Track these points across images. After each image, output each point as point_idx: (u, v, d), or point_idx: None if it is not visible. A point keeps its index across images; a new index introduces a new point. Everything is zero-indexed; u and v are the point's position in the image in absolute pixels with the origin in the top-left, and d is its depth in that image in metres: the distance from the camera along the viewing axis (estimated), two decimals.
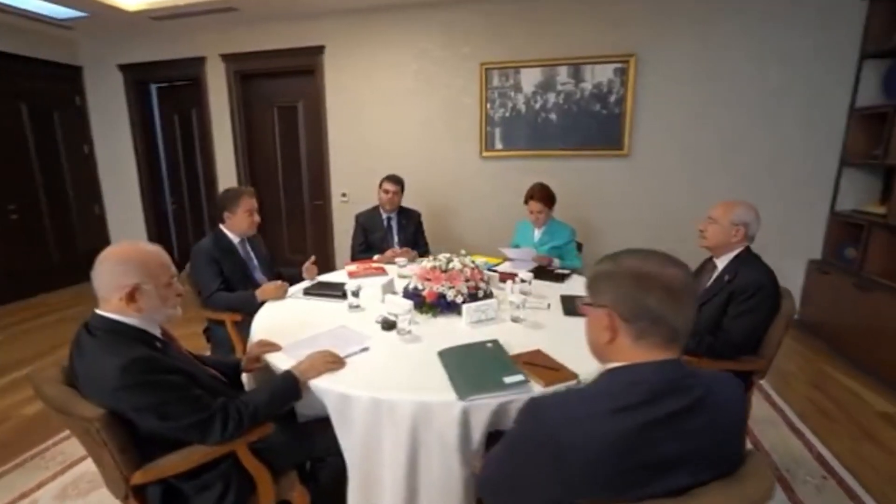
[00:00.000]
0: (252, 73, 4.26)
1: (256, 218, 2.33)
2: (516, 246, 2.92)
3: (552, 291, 2.17)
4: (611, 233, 3.64)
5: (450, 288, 1.92)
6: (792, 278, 3.38)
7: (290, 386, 1.30)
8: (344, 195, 4.21)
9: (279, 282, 2.17)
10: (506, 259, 2.79)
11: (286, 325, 1.84)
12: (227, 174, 4.45)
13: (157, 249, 1.22)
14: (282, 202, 4.59)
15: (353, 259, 2.96)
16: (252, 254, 2.42)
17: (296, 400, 1.33)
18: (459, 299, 1.90)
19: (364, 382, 1.36)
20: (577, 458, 0.78)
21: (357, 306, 2.00)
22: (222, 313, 2.16)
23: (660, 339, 0.83)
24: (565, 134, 3.63)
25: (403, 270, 2.50)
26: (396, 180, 3.05)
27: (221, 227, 2.31)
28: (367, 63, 3.90)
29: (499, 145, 3.79)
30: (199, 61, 4.27)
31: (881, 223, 2.83)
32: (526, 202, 2.86)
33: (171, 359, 1.18)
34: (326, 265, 4.33)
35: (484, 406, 1.28)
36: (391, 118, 3.97)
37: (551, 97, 3.59)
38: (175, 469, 1.14)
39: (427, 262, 2.05)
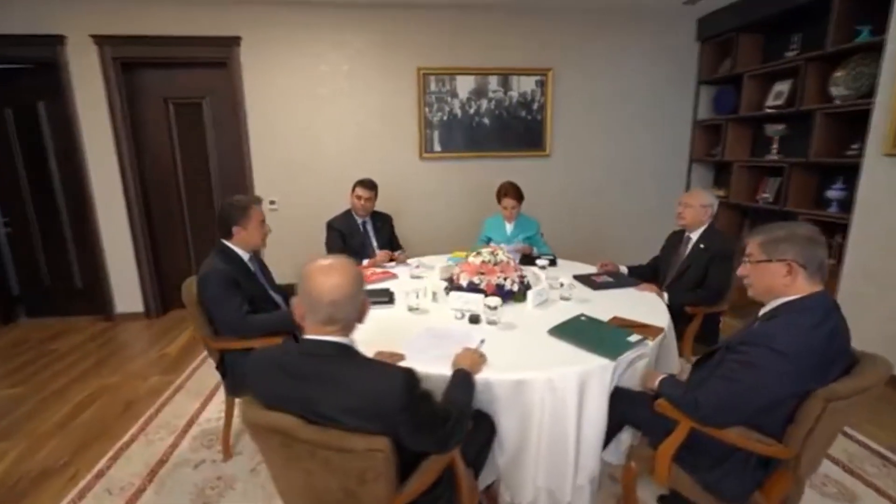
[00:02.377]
0: (138, 62, 3.55)
1: (268, 228, 2.10)
2: (488, 239, 3.20)
3: (549, 274, 2.43)
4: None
5: (505, 278, 2.11)
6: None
7: (472, 382, 1.36)
8: (273, 203, 3.85)
9: None
10: None
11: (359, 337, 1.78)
12: (105, 182, 3.61)
13: None
14: (185, 213, 3.93)
15: None
16: (261, 270, 2.16)
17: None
18: (515, 287, 2.11)
19: (517, 366, 1.49)
20: (801, 362, 1.13)
21: (416, 308, 2.03)
22: (257, 339, 1.91)
23: (819, 277, 1.23)
24: (497, 137, 4.03)
25: (417, 272, 2.55)
26: (370, 185, 3.01)
27: (227, 243, 2.01)
28: (295, 61, 3.65)
29: (437, 147, 3.98)
30: (55, 41, 3.36)
31: (723, 202, 3.97)
32: (499, 200, 3.15)
33: None
34: None
35: (623, 362, 1.55)
36: (325, 119, 3.79)
37: (484, 103, 3.95)
38: (424, 485, 1.11)
39: (473, 258, 2.19)
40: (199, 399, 2.62)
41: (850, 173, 2.92)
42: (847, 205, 2.95)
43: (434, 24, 3.73)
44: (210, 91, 3.72)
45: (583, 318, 1.83)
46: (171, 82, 3.68)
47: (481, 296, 1.97)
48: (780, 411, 1.20)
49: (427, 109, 3.88)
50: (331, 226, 2.99)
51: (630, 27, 3.96)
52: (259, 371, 1.09)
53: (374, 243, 3.07)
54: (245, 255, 2.06)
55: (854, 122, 2.91)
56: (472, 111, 3.95)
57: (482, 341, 1.66)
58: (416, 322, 1.92)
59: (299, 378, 1.02)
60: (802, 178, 3.27)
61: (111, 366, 3.07)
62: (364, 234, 3.04)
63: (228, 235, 2.01)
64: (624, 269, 2.61)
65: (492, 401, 1.46)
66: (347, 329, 1.09)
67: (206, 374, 2.90)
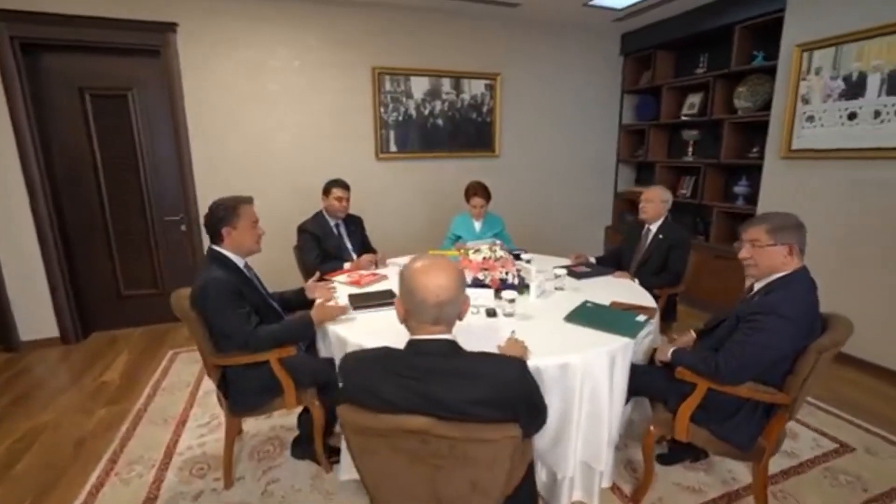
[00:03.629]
0: (45, 44, 3.03)
1: (261, 229, 1.96)
2: (457, 237, 3.30)
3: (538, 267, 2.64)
4: None
5: (507, 273, 2.23)
6: (596, 237, 4.94)
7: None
8: None
9: (335, 301, 1.97)
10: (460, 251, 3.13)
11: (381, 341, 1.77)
12: (2, 184, 3.03)
13: None
14: (108, 220, 3.43)
15: (311, 272, 2.70)
16: (255, 276, 2.02)
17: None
18: (516, 280, 2.24)
19: (554, 352, 1.60)
20: (801, 323, 1.41)
21: None
22: (267, 352, 1.79)
23: (803, 255, 1.52)
24: (450, 138, 4.14)
25: None
26: (346, 185, 2.93)
27: (220, 249, 1.86)
28: (241, 54, 3.39)
29: (393, 148, 3.97)
30: None
31: None
32: (468, 199, 3.26)
33: None
34: None
35: (639, 339, 1.76)
36: (276, 118, 3.58)
37: (438, 104, 4.03)
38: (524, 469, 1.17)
39: (474, 255, 2.28)
40: (167, 427, 2.35)
41: (752, 172, 3.53)
42: (750, 198, 3.56)
43: (388, 24, 3.72)
44: (138, 82, 3.30)
45: (588, 304, 2.02)
46: (87, 70, 3.19)
47: (491, 291, 2.07)
48: (783, 365, 1.47)
49: (382, 109, 3.85)
50: (304, 229, 2.85)
51: (567, 39, 4.32)
52: (365, 377, 1.06)
53: (349, 246, 2.99)
54: (240, 262, 1.91)
55: (754, 130, 3.52)
56: (426, 112, 4.00)
57: (513, 332, 1.76)
58: None
59: (415, 378, 1.03)
60: (715, 177, 3.86)
61: (37, 402, 2.60)
62: (339, 236, 2.95)
63: (218, 239, 1.85)
64: (592, 260, 2.87)
65: (540, 385, 1.56)
66: (451, 326, 1.12)
67: (167, 399, 2.61)
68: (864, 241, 2.78)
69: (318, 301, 2.00)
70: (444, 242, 3.39)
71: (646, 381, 1.76)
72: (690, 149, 4.08)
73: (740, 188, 3.64)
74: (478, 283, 2.18)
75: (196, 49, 3.28)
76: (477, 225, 3.33)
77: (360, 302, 2.08)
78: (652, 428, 1.72)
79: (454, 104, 4.08)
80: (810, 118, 2.98)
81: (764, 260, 1.55)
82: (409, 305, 1.08)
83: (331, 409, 1.93)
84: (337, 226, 2.97)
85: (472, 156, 4.25)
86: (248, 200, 1.90)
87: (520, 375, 1.05)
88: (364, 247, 3.09)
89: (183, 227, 3.57)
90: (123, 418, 2.43)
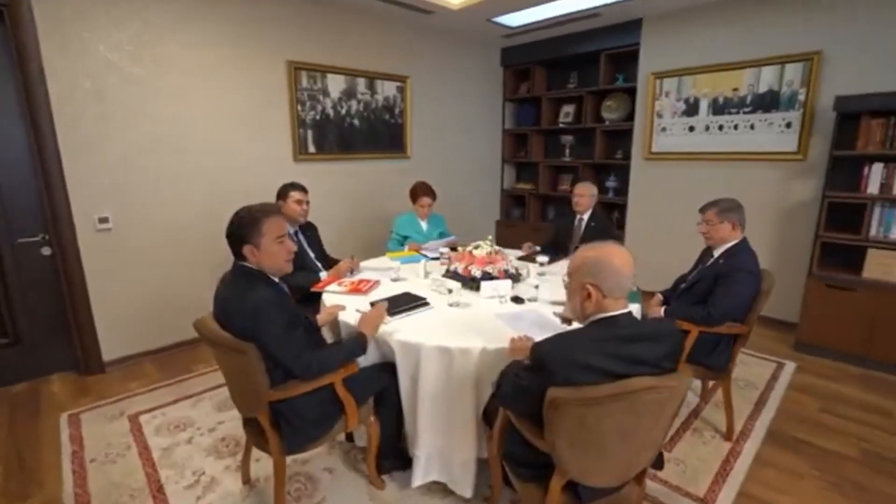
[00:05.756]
0: None
1: (291, 245, 1.74)
2: (405, 237, 3.35)
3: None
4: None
5: (507, 265, 2.44)
6: (490, 231, 5.47)
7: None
8: (104, 221, 2.79)
9: (376, 306, 1.87)
10: (420, 251, 3.17)
11: (443, 338, 1.80)
12: None
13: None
14: None
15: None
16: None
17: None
18: (514, 270, 2.46)
19: None
20: (757, 274, 2.01)
21: (455, 304, 2.13)
22: (332, 374, 1.63)
23: (743, 228, 2.14)
24: (366, 139, 4.06)
25: (396, 273, 2.53)
26: (304, 188, 2.68)
27: (248, 265, 1.59)
28: (129, 27, 2.73)
29: (312, 149, 3.71)
30: None
31: (533, 194, 5.22)
32: (415, 199, 3.32)
33: None
34: (82, 338, 2.92)
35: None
36: (180, 112, 2.98)
37: (354, 104, 3.91)
38: None
39: (476, 252, 2.42)
40: (145, 501, 1.85)
41: (619, 170, 4.46)
42: (619, 191, 4.50)
43: (303, 17, 3.46)
44: None
45: None
46: None
47: (509, 282, 2.26)
48: (747, 306, 2.06)
49: (300, 107, 3.56)
50: None
51: (466, 49, 4.67)
52: (581, 357, 1.17)
53: (311, 253, 2.75)
54: (275, 276, 1.67)
55: (620, 136, 4.45)
56: (343, 112, 3.85)
57: (555, 314, 1.99)
58: (469, 315, 2.02)
59: (623, 345, 1.19)
60: (590, 174, 4.72)
61: None
62: (299, 244, 2.68)
63: (241, 258, 1.59)
64: (538, 249, 3.27)
65: None
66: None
67: (113, 471, 2.02)
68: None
69: (360, 316, 1.86)
70: (389, 244, 3.38)
71: None
72: (568, 150, 4.89)
73: (611, 183, 4.56)
74: (487, 277, 2.33)
75: (68, 12, 2.52)
76: (424, 224, 3.41)
77: (399, 309, 2.01)
78: None
79: (369, 105, 4.02)
80: (664, 129, 3.96)
81: (716, 233, 2.13)
82: (609, 284, 1.22)
83: (387, 419, 1.86)
84: (296, 233, 2.70)
85: (386, 157, 4.25)
86: (274, 210, 1.63)
87: (677, 331, 1.31)
88: (323, 254, 2.88)
89: (45, 251, 2.71)
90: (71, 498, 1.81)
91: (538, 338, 1.34)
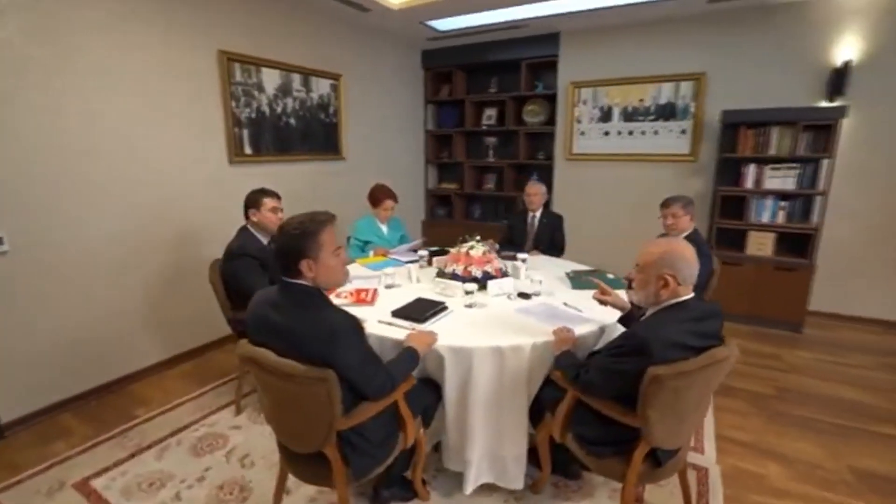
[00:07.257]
0: None
1: (346, 256, 1.61)
2: (366, 242, 3.25)
3: None
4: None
5: (503, 264, 2.55)
6: (417, 231, 5.53)
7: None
8: None
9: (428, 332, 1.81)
10: (388, 256, 3.10)
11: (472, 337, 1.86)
12: None
13: None
14: None
15: None
16: None
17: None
18: (507, 268, 2.59)
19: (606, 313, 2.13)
20: (707, 250, 2.46)
21: (472, 305, 2.18)
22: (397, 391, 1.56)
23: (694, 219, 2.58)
24: (302, 139, 3.79)
25: (391, 279, 2.47)
26: (277, 194, 2.44)
27: (298, 281, 1.44)
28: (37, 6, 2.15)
29: (248, 150, 3.34)
30: None
31: (457, 193, 5.40)
32: (376, 203, 3.23)
33: None
34: None
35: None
36: (94, 108, 2.45)
37: (290, 102, 3.62)
38: None
39: (473, 252, 2.48)
40: None
41: (542, 170, 4.88)
42: None
43: (234, 1, 3.08)
44: None
45: (570, 273, 2.61)
46: None
47: (511, 279, 2.37)
48: (704, 284, 2.50)
49: (234, 103, 3.18)
50: (245, 254, 2.23)
51: (397, 49, 4.62)
52: (672, 337, 1.35)
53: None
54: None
55: (541, 138, 4.86)
56: (279, 110, 3.54)
57: (577, 309, 2.15)
58: (489, 314, 2.08)
59: (699, 324, 1.41)
60: (513, 174, 5.06)
61: None
62: (271, 254, 2.43)
63: (296, 275, 1.45)
64: (497, 245, 3.44)
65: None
66: None
67: None
68: (619, 213, 4.44)
69: (419, 335, 1.78)
70: (351, 251, 3.23)
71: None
72: (491, 151, 5.16)
73: None
74: (487, 276, 2.41)
75: None
76: (384, 228, 3.33)
77: (419, 315, 1.98)
78: None
79: (304, 102, 3.75)
80: (583, 133, 4.45)
81: (680, 224, 2.54)
82: (685, 274, 1.42)
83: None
84: (270, 243, 2.44)
85: (322, 158, 4.02)
86: (329, 219, 1.49)
87: (721, 308, 1.56)
88: None
89: None
90: None
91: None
